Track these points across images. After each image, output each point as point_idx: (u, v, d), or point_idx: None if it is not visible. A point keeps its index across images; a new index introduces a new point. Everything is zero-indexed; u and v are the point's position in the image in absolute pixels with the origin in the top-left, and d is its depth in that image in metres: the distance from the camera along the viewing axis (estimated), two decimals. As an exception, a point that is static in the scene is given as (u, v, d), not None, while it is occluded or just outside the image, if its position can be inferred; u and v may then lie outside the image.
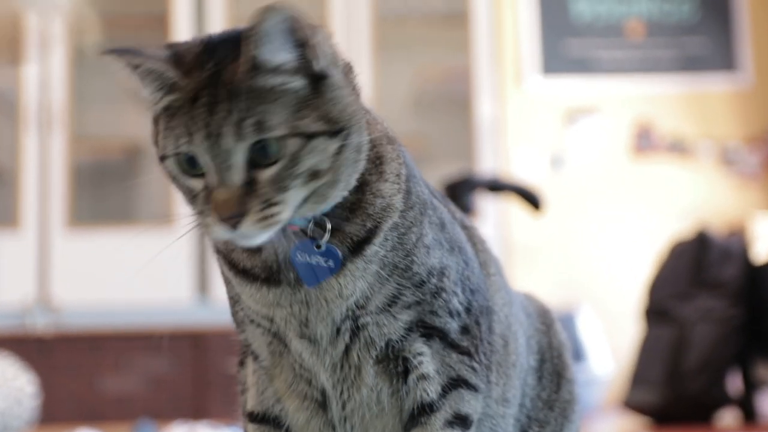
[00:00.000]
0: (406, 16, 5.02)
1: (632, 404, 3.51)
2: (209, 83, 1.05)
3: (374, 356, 1.17)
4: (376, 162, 1.16)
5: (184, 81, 1.06)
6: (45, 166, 4.52)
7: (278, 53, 1.05)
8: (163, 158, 1.10)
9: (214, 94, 1.04)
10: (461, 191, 2.87)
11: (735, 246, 3.47)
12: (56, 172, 4.52)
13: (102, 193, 4.84)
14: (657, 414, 3.42)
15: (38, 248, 4.48)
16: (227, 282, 1.23)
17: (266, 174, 1.04)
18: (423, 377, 1.17)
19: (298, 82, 1.07)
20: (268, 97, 1.04)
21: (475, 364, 1.20)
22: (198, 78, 1.06)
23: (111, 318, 4.42)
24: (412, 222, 1.16)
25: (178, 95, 1.07)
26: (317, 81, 1.08)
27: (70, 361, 4.35)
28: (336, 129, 1.07)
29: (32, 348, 4.30)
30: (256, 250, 1.14)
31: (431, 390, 1.17)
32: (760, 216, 4.69)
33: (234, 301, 1.23)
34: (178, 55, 1.08)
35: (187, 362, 4.36)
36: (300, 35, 1.06)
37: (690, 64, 4.99)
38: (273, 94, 1.05)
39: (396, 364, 1.18)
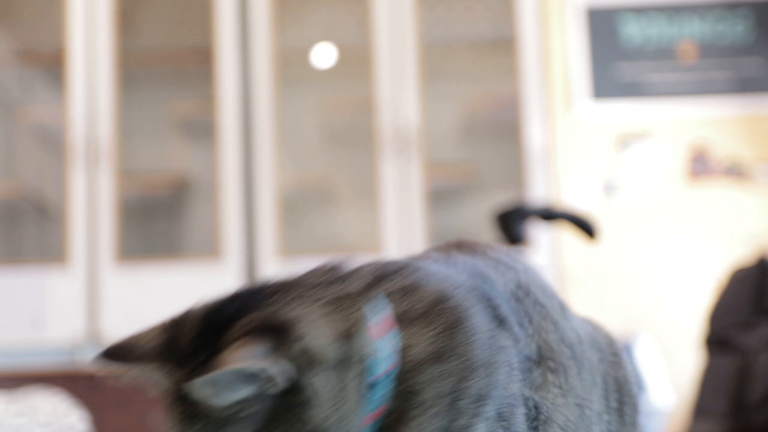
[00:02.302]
0: (452, 44, 5.01)
1: (694, 437, 3.44)
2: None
3: None
4: None
5: (170, 378, 0.94)
6: (93, 202, 4.55)
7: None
8: None
9: (185, 411, 0.91)
10: (513, 221, 2.82)
11: (799, 272, 3.40)
12: (104, 207, 4.54)
13: (150, 227, 4.87)
14: (721, 447, 3.35)
15: (87, 284, 4.50)
16: None
17: None
18: None
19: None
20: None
21: None
22: (180, 377, 0.92)
23: (160, 353, 4.42)
24: None
25: (167, 389, 0.94)
26: None
27: (120, 397, 4.35)
28: None
29: (83, 384, 4.30)
30: None
31: None
32: (822, 240, 4.59)
33: None
34: (172, 340, 0.94)
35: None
36: None
37: (745, 85, 4.92)
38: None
39: None
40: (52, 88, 4.78)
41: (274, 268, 4.51)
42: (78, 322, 4.47)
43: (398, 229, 4.56)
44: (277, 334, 0.88)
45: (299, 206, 4.80)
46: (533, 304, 1.15)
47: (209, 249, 4.62)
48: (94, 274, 4.51)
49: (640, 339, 4.29)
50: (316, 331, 0.89)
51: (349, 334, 0.91)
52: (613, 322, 4.59)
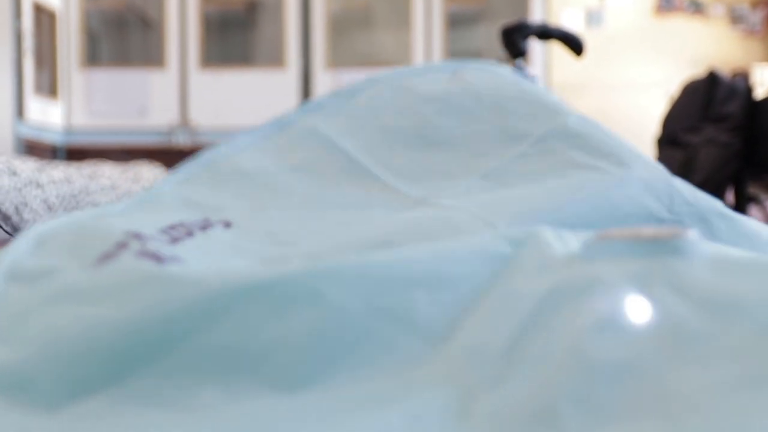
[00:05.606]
0: None
1: (645, 212, 3.47)
2: None
3: None
4: None
5: None
6: (183, 18, 4.48)
7: None
8: None
9: None
10: (516, 36, 2.76)
11: (740, 85, 3.31)
12: (192, 22, 4.48)
13: (228, 41, 4.81)
14: (665, 220, 3.37)
15: (179, 83, 4.50)
16: None
17: None
18: None
19: None
20: None
21: None
22: None
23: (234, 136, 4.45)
24: None
25: None
26: None
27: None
28: None
29: (176, 159, 4.36)
30: None
31: None
32: (760, 65, 4.49)
33: None
34: None
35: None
36: None
37: (710, -64, 4.70)
38: None
39: None
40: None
41: (324, 78, 4.47)
42: (173, 112, 4.49)
43: (423, 47, 4.48)
44: None
45: (345, 27, 4.71)
46: None
47: (274, 60, 4.57)
48: (185, 76, 4.49)
49: (608, 138, 4.27)
50: None
51: None
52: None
